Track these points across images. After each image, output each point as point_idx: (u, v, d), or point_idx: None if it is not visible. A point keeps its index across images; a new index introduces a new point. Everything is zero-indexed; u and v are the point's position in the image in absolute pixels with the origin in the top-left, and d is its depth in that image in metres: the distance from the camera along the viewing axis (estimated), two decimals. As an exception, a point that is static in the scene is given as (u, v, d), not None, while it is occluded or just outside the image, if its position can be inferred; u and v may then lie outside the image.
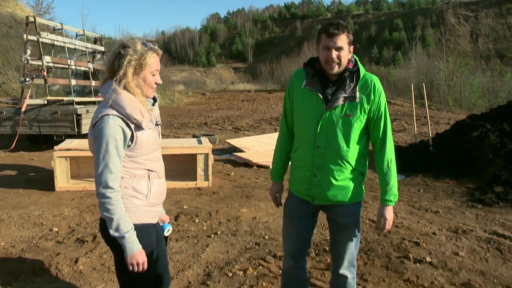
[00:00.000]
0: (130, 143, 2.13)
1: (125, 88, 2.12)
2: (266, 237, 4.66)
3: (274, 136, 9.90)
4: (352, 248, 2.64)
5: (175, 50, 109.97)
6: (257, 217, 5.26)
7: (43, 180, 6.95)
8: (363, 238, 4.65)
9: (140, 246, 2.11)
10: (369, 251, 4.33)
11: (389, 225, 2.58)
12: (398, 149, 9.18)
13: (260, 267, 3.95)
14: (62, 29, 10.72)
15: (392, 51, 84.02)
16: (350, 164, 2.49)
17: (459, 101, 25.54)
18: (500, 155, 6.88)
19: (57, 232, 4.77)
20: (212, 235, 4.68)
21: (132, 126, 2.11)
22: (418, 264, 4.03)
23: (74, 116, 9.06)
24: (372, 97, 2.46)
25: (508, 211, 5.65)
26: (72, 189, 6.32)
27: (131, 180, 2.18)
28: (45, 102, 9.61)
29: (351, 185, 2.52)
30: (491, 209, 5.73)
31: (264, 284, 3.63)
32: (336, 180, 2.49)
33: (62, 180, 6.27)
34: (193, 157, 6.52)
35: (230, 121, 16.98)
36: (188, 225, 4.98)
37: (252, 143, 9.78)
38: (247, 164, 8.41)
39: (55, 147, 6.30)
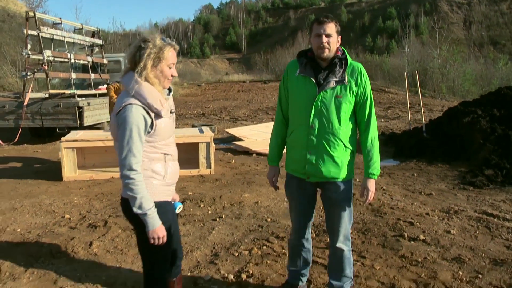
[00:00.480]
0: (150, 130, 2.35)
1: (145, 79, 2.33)
2: (269, 219, 4.91)
3: (271, 125, 10.07)
4: (346, 223, 2.92)
5: (173, 39, 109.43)
6: (259, 202, 5.51)
7: (50, 171, 7.17)
8: (360, 219, 4.92)
9: (160, 222, 2.34)
10: (366, 231, 4.59)
11: (371, 196, 2.86)
12: (392, 136, 9.48)
13: (264, 247, 4.20)
14: (61, 23, 10.87)
15: (386, 39, 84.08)
16: (342, 141, 2.76)
17: (452, 88, 25.83)
18: (490, 140, 7.15)
19: (69, 218, 5.00)
20: (217, 219, 4.93)
21: (152, 114, 2.33)
22: (412, 242, 4.29)
23: (76, 108, 9.26)
24: (359, 81, 2.76)
25: (497, 192, 5.93)
26: (79, 179, 6.55)
27: (150, 163, 2.41)
28: (47, 95, 9.79)
29: (343, 161, 2.79)
30: (482, 191, 6.00)
31: (268, 262, 3.87)
32: (330, 156, 2.76)
33: (70, 170, 6.50)
34: (195, 146, 6.76)
35: (227, 111, 17.20)
36: (194, 210, 5.22)
37: (250, 132, 10.01)
38: (247, 152, 8.66)
39: (62, 138, 6.52)
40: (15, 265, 3.77)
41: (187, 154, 7.07)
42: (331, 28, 2.70)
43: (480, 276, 3.57)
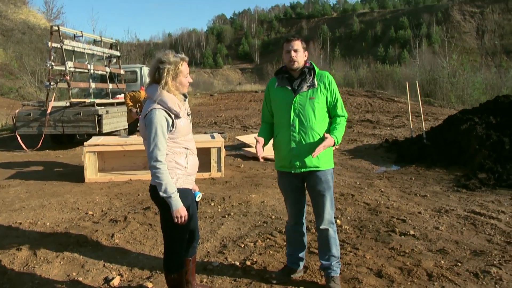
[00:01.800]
0: (171, 128, 2.88)
1: (167, 91, 2.88)
2: (273, 217, 5.39)
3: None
4: (329, 208, 3.48)
5: (182, 52, 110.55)
6: (264, 201, 5.99)
7: (73, 173, 7.74)
8: (357, 217, 5.37)
9: (182, 204, 2.85)
10: (361, 227, 5.03)
11: (323, 148, 3.25)
12: (395, 143, 9.91)
13: (268, 240, 4.67)
14: (82, 36, 11.54)
15: (397, 49, 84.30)
16: (319, 134, 3.34)
17: (462, 97, 26.03)
18: (485, 145, 7.54)
19: (92, 215, 5.53)
20: (226, 216, 5.42)
21: (172, 116, 2.87)
22: (402, 236, 4.73)
23: (96, 116, 9.84)
24: (327, 85, 3.40)
25: (488, 194, 6.33)
26: (100, 181, 7.11)
27: (173, 156, 2.94)
28: (69, 104, 10.40)
29: (322, 152, 3.31)
30: (473, 193, 6.41)
31: (271, 252, 4.34)
32: (310, 148, 3.30)
33: (91, 172, 7.06)
34: (207, 151, 7.28)
35: (239, 120, 17.72)
36: (205, 208, 5.72)
37: (259, 139, 10.49)
38: (256, 158, 9.13)
39: (85, 143, 7.09)
40: (48, 251, 4.30)
41: (199, 159, 7.54)
42: (298, 44, 3.37)
43: (460, 264, 4.00)
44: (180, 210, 2.83)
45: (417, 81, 12.07)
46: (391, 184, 7.00)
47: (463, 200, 6.07)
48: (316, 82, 3.38)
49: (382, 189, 6.65)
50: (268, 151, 9.15)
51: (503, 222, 5.09)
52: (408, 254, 4.25)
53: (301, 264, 3.79)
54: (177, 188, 2.86)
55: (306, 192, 3.62)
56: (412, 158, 8.46)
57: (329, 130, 3.41)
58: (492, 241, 4.55)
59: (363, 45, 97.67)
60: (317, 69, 3.46)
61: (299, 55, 3.36)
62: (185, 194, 2.95)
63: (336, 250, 3.57)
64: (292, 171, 3.43)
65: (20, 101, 21.87)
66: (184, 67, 2.95)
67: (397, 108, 20.97)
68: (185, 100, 3.04)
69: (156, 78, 2.90)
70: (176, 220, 2.84)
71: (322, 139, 3.30)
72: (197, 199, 3.21)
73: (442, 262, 4.05)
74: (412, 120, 11.28)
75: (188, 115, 3.07)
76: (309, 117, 3.34)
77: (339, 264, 3.64)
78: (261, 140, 3.45)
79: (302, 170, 3.40)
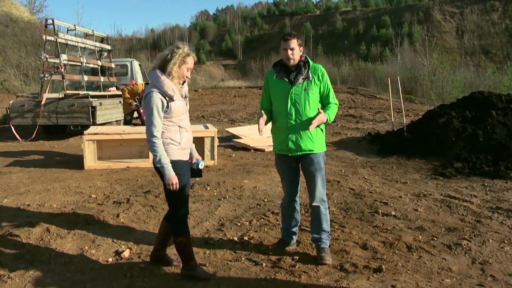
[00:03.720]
0: (166, 109, 3.33)
1: (169, 74, 3.31)
2: (265, 200, 5.80)
3: (268, 126, 11.00)
4: (320, 187, 3.94)
5: (164, 48, 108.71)
6: (257, 186, 6.40)
7: (71, 161, 8.05)
8: (343, 201, 5.83)
9: (174, 173, 3.32)
10: (347, 209, 5.49)
11: (317, 121, 3.67)
12: (377, 136, 10.42)
13: (262, 219, 5.08)
14: (75, 29, 11.77)
15: (380, 47, 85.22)
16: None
17: (441, 95, 26.76)
18: (461, 138, 8.07)
19: (96, 198, 5.88)
20: (222, 199, 5.82)
21: (167, 98, 3.31)
22: (385, 217, 5.19)
23: (90, 108, 10.12)
24: (321, 77, 3.84)
25: (462, 181, 6.85)
26: (99, 168, 7.44)
27: (168, 133, 3.40)
28: (63, 95, 10.65)
29: (316, 137, 3.83)
30: (449, 180, 6.92)
31: (265, 229, 4.75)
32: (305, 133, 3.78)
33: (90, 159, 7.38)
34: (200, 140, 7.66)
35: (225, 114, 18.08)
36: (201, 191, 6.11)
37: (248, 131, 10.92)
38: (245, 148, 9.57)
39: (85, 132, 7.41)
40: (60, 228, 4.65)
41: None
42: (294, 43, 3.76)
43: (435, 238, 4.48)
44: (171, 178, 3.30)
45: (398, 77, 12.57)
46: (374, 172, 7.48)
47: (440, 186, 6.58)
48: (310, 75, 3.81)
49: (366, 177, 7.12)
50: (258, 142, 9.64)
51: (475, 205, 5.60)
52: (390, 230, 4.72)
53: (294, 238, 4.24)
54: (172, 160, 3.35)
55: (301, 173, 4.07)
56: (393, 149, 8.95)
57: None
58: (464, 220, 5.05)
59: (346, 43, 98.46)
60: (311, 63, 3.89)
61: (295, 52, 3.78)
62: (180, 165, 3.44)
63: (326, 225, 4.04)
64: (289, 154, 3.88)
65: (5, 94, 21.87)
66: (190, 61, 3.41)
67: (379, 104, 21.53)
68: (182, 85, 3.49)
69: (168, 59, 3.33)
70: (168, 187, 3.32)
71: (317, 114, 3.71)
72: (200, 167, 3.75)
73: (420, 237, 4.52)
74: (393, 116, 11.80)
75: (185, 97, 3.53)
76: (304, 106, 3.77)
77: (329, 237, 4.10)
78: (265, 116, 3.88)
79: (298, 153, 3.85)
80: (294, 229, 4.19)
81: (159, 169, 3.34)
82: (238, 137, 10.45)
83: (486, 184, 6.61)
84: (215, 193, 6.08)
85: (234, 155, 8.92)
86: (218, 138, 11.14)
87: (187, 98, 3.59)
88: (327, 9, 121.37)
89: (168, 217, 3.74)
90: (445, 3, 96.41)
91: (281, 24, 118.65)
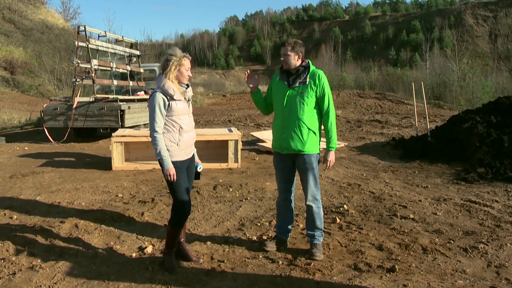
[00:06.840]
0: (168, 108, 3.64)
1: (169, 78, 3.64)
2: (285, 201, 5.92)
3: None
4: (312, 186, 4.13)
5: (194, 53, 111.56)
6: (278, 189, 6.53)
7: (99, 163, 8.37)
8: (363, 203, 5.90)
9: (172, 165, 3.62)
10: (366, 212, 5.56)
11: (331, 164, 4.10)
12: (401, 141, 10.40)
13: (281, 220, 5.20)
14: (105, 36, 12.18)
15: (409, 52, 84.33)
16: (305, 124, 3.97)
17: (471, 101, 26.31)
18: (486, 143, 8.01)
19: (122, 197, 6.12)
20: (243, 200, 5.98)
21: (168, 97, 3.63)
22: (403, 220, 5.25)
23: (118, 111, 10.45)
24: (317, 82, 3.99)
25: (485, 186, 6.81)
26: (126, 169, 7.72)
27: (168, 134, 3.69)
28: (93, 99, 11.04)
29: (306, 139, 4.00)
30: (471, 185, 6.89)
31: (284, 229, 4.88)
32: (296, 135, 4.00)
33: (118, 161, 7.67)
34: (224, 143, 7.87)
35: (252, 119, 18.24)
36: (224, 193, 6.29)
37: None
38: (269, 151, 9.69)
39: (113, 134, 7.71)
40: (87, 225, 4.89)
41: (218, 150, 8.17)
42: (287, 50, 4.01)
43: (452, 241, 4.52)
44: (169, 169, 3.63)
45: (422, 82, 12.52)
46: (395, 176, 7.51)
47: (461, 191, 6.57)
48: (307, 80, 4.00)
49: (387, 181, 7.16)
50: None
51: (495, 210, 5.59)
52: (406, 233, 4.78)
53: (288, 235, 4.45)
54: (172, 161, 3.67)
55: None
56: (417, 154, 8.94)
57: (321, 126, 4.15)
58: (483, 224, 5.06)
59: (375, 48, 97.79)
60: (312, 68, 4.08)
61: (289, 58, 4.02)
62: (175, 165, 3.69)
63: (320, 223, 4.24)
64: (282, 152, 4.12)
65: (39, 98, 22.67)
66: (186, 62, 3.70)
67: (406, 110, 21.36)
68: (186, 89, 3.81)
69: (165, 67, 3.66)
70: (166, 178, 3.67)
71: (312, 134, 4.02)
72: (199, 170, 4.07)
73: (437, 240, 4.57)
74: (419, 121, 11.74)
75: (188, 100, 3.83)
76: (297, 108, 3.97)
77: (322, 234, 4.30)
78: (259, 81, 4.31)
79: (288, 152, 4.07)
80: (289, 227, 4.41)
81: (160, 162, 3.68)
82: (262, 141, 10.60)
83: (509, 189, 6.56)
84: (237, 194, 6.24)
85: (257, 158, 9.08)
86: (242, 141, 11.37)
87: (190, 101, 3.88)
88: (356, 14, 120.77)
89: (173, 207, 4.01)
90: (478, 7, 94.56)
91: (310, 29, 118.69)
